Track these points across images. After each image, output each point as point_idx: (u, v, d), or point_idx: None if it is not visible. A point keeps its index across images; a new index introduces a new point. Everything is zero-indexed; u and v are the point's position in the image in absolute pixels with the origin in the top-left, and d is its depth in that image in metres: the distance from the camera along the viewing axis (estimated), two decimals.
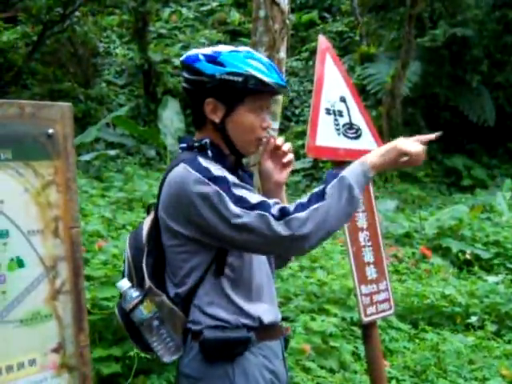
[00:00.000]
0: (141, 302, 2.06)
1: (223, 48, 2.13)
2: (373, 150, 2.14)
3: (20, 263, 1.53)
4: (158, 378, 3.63)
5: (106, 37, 18.65)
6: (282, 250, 2.02)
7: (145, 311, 2.06)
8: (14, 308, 1.52)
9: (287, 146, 2.26)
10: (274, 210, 1.90)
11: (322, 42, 3.43)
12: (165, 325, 2.08)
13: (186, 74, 2.14)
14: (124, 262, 2.23)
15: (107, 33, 18.75)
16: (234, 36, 20.17)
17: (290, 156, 2.28)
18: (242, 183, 2.03)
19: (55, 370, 1.58)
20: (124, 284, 2.10)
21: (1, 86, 13.70)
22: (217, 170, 2.01)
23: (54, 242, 1.58)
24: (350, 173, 1.99)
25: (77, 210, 1.61)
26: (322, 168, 15.03)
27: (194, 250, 2.04)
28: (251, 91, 2.06)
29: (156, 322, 2.07)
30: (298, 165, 15.64)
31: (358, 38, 19.10)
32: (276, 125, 5.81)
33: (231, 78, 2.03)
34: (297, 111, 17.87)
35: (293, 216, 1.89)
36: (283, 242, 1.90)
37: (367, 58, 17.77)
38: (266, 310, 2.13)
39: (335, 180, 1.95)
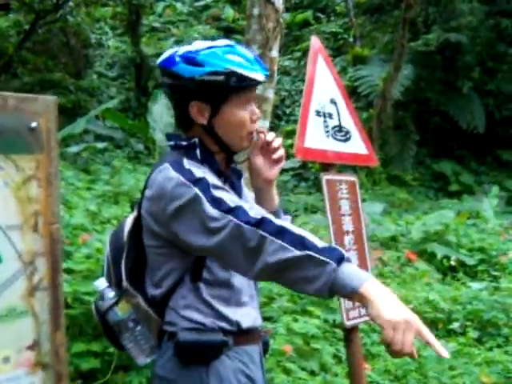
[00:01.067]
0: (116, 303, 2.04)
1: (200, 45, 2.03)
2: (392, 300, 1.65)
3: None
4: (137, 375, 3.61)
5: (99, 28, 18.54)
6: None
7: (119, 312, 2.04)
8: None
9: (278, 142, 2.18)
10: (252, 219, 1.76)
11: (315, 42, 3.41)
12: (140, 326, 2.05)
13: (165, 80, 2.08)
14: (104, 260, 2.20)
15: (100, 24, 18.64)
16: (228, 33, 20.10)
17: (281, 152, 2.20)
18: (222, 185, 1.96)
19: (30, 367, 1.55)
20: (101, 283, 2.09)
21: None
22: (199, 172, 1.94)
23: (33, 237, 1.54)
24: (346, 273, 1.67)
25: (58, 206, 1.58)
26: (311, 168, 15.04)
27: (172, 253, 2.00)
28: (235, 88, 1.99)
29: (131, 324, 2.04)
30: (286, 164, 15.58)
31: (351, 39, 19.11)
32: (266, 123, 5.81)
33: (212, 78, 1.95)
34: (288, 110, 17.85)
35: (260, 232, 1.74)
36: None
37: (360, 60, 17.78)
38: (244, 315, 2.08)
39: (327, 258, 1.67)
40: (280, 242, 1.70)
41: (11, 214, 1.50)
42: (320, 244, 1.71)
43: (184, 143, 2.07)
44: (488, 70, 17.10)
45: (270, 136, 2.17)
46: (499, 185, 15.28)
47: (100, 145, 10.81)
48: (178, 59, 1.99)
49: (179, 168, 1.94)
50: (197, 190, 1.85)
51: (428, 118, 17.32)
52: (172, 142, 2.12)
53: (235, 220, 1.76)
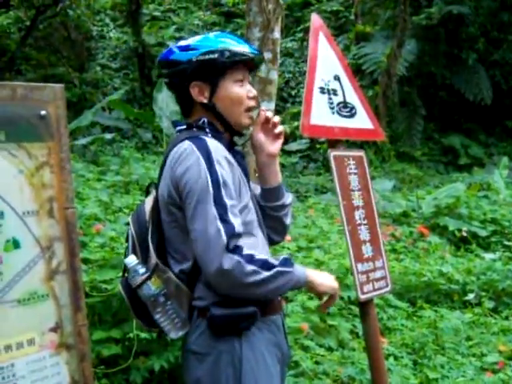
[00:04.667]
0: (149, 277, 2.08)
1: (195, 38, 2.24)
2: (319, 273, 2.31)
3: (16, 244, 1.54)
4: (158, 359, 3.64)
5: (100, 20, 18.51)
6: (209, 274, 2.02)
7: (153, 287, 2.08)
8: (11, 288, 1.53)
9: (277, 118, 2.36)
10: (232, 242, 1.99)
11: (315, 20, 3.41)
12: (171, 301, 2.10)
13: (165, 71, 2.24)
14: (127, 239, 2.24)
15: (100, 16, 18.60)
16: (229, 17, 20.04)
17: (281, 127, 2.36)
18: (234, 188, 2.09)
19: (54, 349, 1.59)
20: (131, 260, 2.11)
21: None
22: (219, 153, 2.08)
23: (50, 222, 1.58)
24: (298, 274, 2.14)
25: (71, 191, 1.62)
26: (319, 149, 15.03)
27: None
28: (229, 64, 2.17)
29: (162, 298, 2.09)
30: (294, 146, 15.64)
31: (353, 17, 18.98)
32: (272, 105, 5.82)
33: (207, 56, 2.14)
34: (293, 92, 17.82)
35: (239, 258, 1.98)
36: (216, 266, 1.97)
37: (363, 38, 17.70)
38: None
39: (286, 268, 2.09)
40: (251, 266, 2.00)
41: (27, 201, 1.54)
42: (275, 260, 2.09)
43: (195, 123, 2.18)
44: (492, 40, 16.97)
45: (269, 113, 2.34)
46: (509, 155, 15.21)
47: (108, 136, 10.83)
48: (174, 49, 2.20)
49: (202, 146, 2.07)
50: (209, 183, 2.00)
51: (434, 92, 17.24)
52: (182, 126, 2.22)
53: (222, 234, 1.98)
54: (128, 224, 2.26)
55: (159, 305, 2.09)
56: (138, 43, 16.30)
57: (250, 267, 1.98)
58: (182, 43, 2.22)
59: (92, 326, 3.78)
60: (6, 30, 15.49)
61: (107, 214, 5.37)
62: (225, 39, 2.19)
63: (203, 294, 2.09)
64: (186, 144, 2.07)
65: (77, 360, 1.62)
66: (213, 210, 1.98)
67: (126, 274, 2.19)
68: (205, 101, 2.18)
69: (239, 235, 2.01)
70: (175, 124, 2.28)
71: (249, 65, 2.27)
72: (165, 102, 10.99)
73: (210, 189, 1.99)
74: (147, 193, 2.28)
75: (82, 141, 10.25)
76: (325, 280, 2.25)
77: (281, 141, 2.37)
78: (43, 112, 1.57)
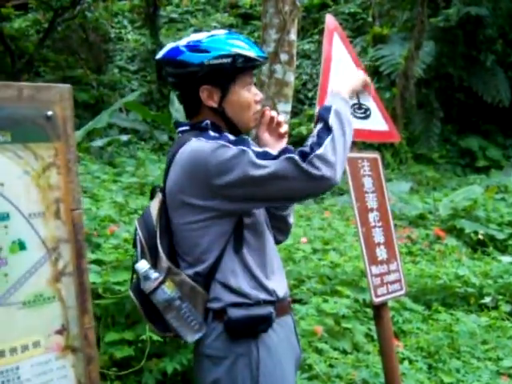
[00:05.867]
0: (162, 281, 2.06)
1: (199, 36, 2.17)
2: (337, 81, 2.40)
3: (22, 246, 1.53)
4: (171, 361, 3.63)
5: (118, 22, 18.61)
6: (314, 190, 2.01)
7: (168, 290, 2.05)
8: (17, 290, 1.52)
9: (282, 118, 2.35)
10: (296, 153, 1.96)
11: (330, 21, 3.38)
12: (186, 304, 2.08)
13: (170, 69, 2.18)
14: (135, 245, 2.21)
15: (118, 18, 18.71)
16: (246, 19, 20.06)
17: (285, 127, 2.35)
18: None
19: (59, 351, 1.58)
20: (143, 265, 2.08)
21: (13, 74, 13.72)
22: (231, 136, 2.08)
23: (56, 224, 1.57)
24: (339, 105, 2.14)
25: (78, 192, 1.60)
26: None
27: (212, 224, 2.06)
28: (240, 70, 2.13)
29: (178, 302, 2.06)
30: None
31: (370, 19, 18.91)
32: (288, 107, 5.80)
33: (220, 61, 2.08)
34: (310, 94, 17.77)
35: (313, 155, 1.94)
36: (315, 180, 1.94)
37: (380, 39, 17.61)
38: (279, 283, 2.18)
39: (332, 114, 2.08)
40: (324, 147, 1.98)
41: (33, 202, 1.53)
42: (320, 123, 2.09)
43: (198, 125, 2.15)
44: (511, 41, 16.82)
45: (274, 113, 2.33)
46: None
47: (124, 137, 10.87)
48: (183, 49, 2.13)
49: (210, 137, 2.05)
50: (240, 147, 1.98)
51: (452, 94, 17.11)
52: (185, 127, 2.20)
53: (289, 155, 1.95)
54: (135, 229, 2.23)
55: (174, 308, 2.07)
56: (155, 45, 16.37)
57: (320, 150, 1.96)
58: (190, 41, 2.14)
59: (105, 328, 3.78)
60: (25, 33, 15.61)
61: (122, 215, 5.38)
62: (236, 42, 2.13)
63: (219, 294, 2.08)
64: (194, 141, 2.05)
65: (83, 363, 1.61)
66: (259, 160, 1.95)
67: (135, 279, 2.18)
68: (214, 105, 2.15)
69: (291, 149, 2.00)
70: (177, 125, 2.25)
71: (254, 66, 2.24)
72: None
73: (247, 150, 1.97)
74: (152, 196, 2.25)
75: (99, 142, 10.29)
76: (350, 82, 2.40)
77: (285, 140, 2.35)
78: (50, 112, 1.56)
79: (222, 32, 2.19)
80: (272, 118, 2.32)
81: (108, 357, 3.64)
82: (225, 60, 2.09)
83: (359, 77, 2.42)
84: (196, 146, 2.03)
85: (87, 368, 1.63)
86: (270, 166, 1.93)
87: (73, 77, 15.23)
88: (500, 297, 5.81)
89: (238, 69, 2.12)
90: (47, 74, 15.33)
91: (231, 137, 2.06)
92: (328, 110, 2.09)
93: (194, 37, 2.16)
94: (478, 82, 16.53)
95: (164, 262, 2.09)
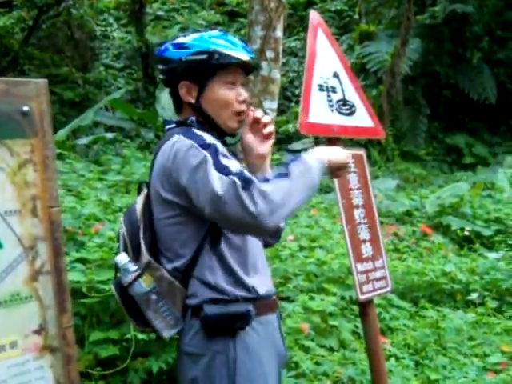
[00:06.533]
0: (140, 275, 2.07)
1: (193, 35, 2.23)
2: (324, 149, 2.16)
3: None
4: (156, 360, 3.61)
5: (103, 20, 18.51)
6: (247, 225, 1.89)
7: (144, 284, 2.06)
8: None
9: (267, 118, 2.30)
10: (242, 179, 1.88)
11: (314, 17, 3.37)
12: (164, 299, 2.08)
13: (159, 66, 2.26)
14: (118, 239, 2.23)
15: (104, 16, 18.61)
16: (232, 17, 20.03)
17: (271, 127, 2.31)
18: (229, 155, 2.08)
19: (37, 351, 1.55)
20: (122, 258, 2.09)
21: None
22: (211, 138, 2.08)
23: (33, 221, 1.54)
24: (311, 162, 2.01)
25: (56, 189, 1.57)
26: None
27: (188, 220, 2.06)
28: (219, 66, 2.15)
29: (155, 296, 2.07)
30: (298, 146, 15.58)
31: (357, 16, 18.94)
32: (274, 104, 5.78)
33: (196, 57, 2.14)
34: (296, 91, 17.75)
35: (256, 187, 1.86)
36: (247, 213, 1.84)
37: (367, 37, 17.63)
38: (260, 281, 2.17)
39: (297, 162, 1.99)
40: (272, 186, 1.90)
41: (9, 200, 1.50)
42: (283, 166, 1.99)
43: (183, 121, 2.18)
44: (497, 39, 16.90)
45: (259, 113, 2.29)
46: None
47: (109, 135, 10.80)
48: (169, 47, 2.21)
49: (191, 135, 2.05)
50: (205, 152, 1.96)
51: (438, 91, 17.18)
52: (172, 125, 2.22)
53: (234, 179, 1.87)
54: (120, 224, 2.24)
55: (151, 303, 2.07)
56: (141, 43, 16.30)
57: (268, 187, 1.88)
58: (178, 40, 2.22)
59: (90, 327, 3.75)
60: (9, 30, 15.47)
61: (107, 213, 5.33)
62: (218, 40, 2.17)
63: (196, 290, 2.07)
64: (176, 137, 2.06)
65: (62, 363, 1.58)
66: (215, 172, 1.90)
67: (118, 274, 2.17)
68: (192, 101, 2.19)
69: (246, 176, 1.91)
70: (165, 123, 2.28)
71: (243, 68, 2.23)
72: (167, 102, 10.97)
73: (209, 158, 1.93)
74: (139, 191, 2.26)
75: (83, 140, 10.23)
76: (335, 155, 2.13)
77: (271, 141, 2.32)
78: (26, 108, 1.53)
79: (214, 32, 2.24)
80: (256, 119, 2.28)
81: (93, 356, 3.62)
82: (201, 56, 2.13)
83: (344, 156, 2.16)
84: (175, 142, 2.04)
85: (66, 368, 1.60)
86: (216, 182, 1.87)
87: (58, 75, 15.14)
88: (486, 293, 5.83)
89: (215, 65, 2.14)
90: (32, 71, 15.20)
91: (207, 138, 2.05)
92: (297, 158, 2.01)
93: (189, 36, 2.23)
94: (464, 79, 16.60)
95: (145, 256, 2.10)
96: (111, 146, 11.06)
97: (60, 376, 1.59)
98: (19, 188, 1.51)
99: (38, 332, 1.55)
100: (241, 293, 2.08)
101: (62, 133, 9.88)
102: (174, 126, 2.21)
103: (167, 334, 2.10)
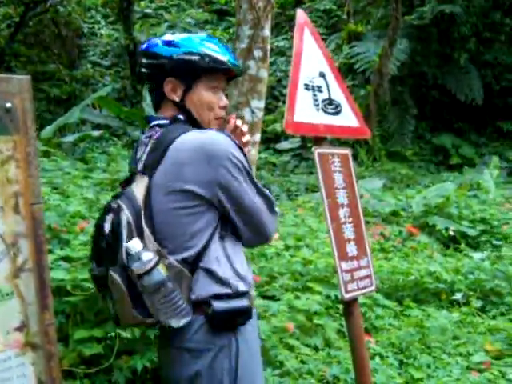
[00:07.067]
0: (157, 263, 2.01)
1: (180, 35, 2.26)
2: None
3: None
4: (141, 359, 3.60)
5: (91, 17, 18.43)
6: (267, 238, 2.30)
7: (162, 271, 2.00)
8: None
9: (245, 128, 2.41)
10: (270, 200, 2.26)
11: (300, 16, 3.37)
12: (177, 288, 2.06)
13: (144, 60, 2.25)
14: (117, 226, 2.08)
15: (91, 13, 18.52)
16: (221, 15, 20.00)
17: (248, 136, 2.43)
18: None
19: (19, 348, 1.55)
20: (137, 245, 2.00)
21: None
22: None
23: (15, 218, 1.53)
24: None
25: (38, 186, 1.57)
26: (311, 147, 14.98)
27: (204, 211, 2.09)
28: (207, 69, 2.20)
29: (171, 285, 2.01)
30: (285, 145, 15.62)
31: (345, 16, 18.97)
32: (261, 104, 5.78)
33: (188, 57, 2.18)
34: (284, 91, 17.74)
35: (277, 211, 2.27)
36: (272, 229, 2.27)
37: (355, 37, 17.68)
38: (250, 274, 2.25)
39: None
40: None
41: None
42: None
43: (175, 118, 2.20)
44: (484, 40, 16.99)
45: (239, 121, 2.39)
46: (500, 156, 15.24)
47: (95, 133, 10.75)
48: (158, 42, 2.23)
49: (223, 134, 2.13)
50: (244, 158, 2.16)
51: (426, 91, 17.25)
52: (164, 121, 2.21)
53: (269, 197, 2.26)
54: (116, 209, 2.11)
55: (163, 291, 2.01)
56: (129, 41, 16.23)
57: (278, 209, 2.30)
58: (167, 38, 2.24)
59: (74, 325, 3.73)
60: None
61: (92, 211, 5.30)
62: (209, 44, 2.22)
63: (201, 284, 2.08)
64: (197, 133, 2.12)
65: (44, 360, 1.57)
66: (254, 186, 2.17)
67: (120, 261, 2.04)
68: (176, 99, 2.21)
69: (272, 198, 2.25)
70: (150, 118, 2.26)
71: (227, 74, 2.30)
72: None
73: (248, 169, 2.15)
74: (130, 181, 2.21)
75: (70, 138, 10.18)
76: None
77: (246, 150, 2.36)
78: (8, 104, 1.52)
79: (201, 35, 2.28)
80: (236, 126, 2.38)
81: (77, 354, 3.60)
82: (192, 57, 2.17)
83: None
84: (211, 139, 2.08)
85: (48, 365, 1.59)
86: (256, 197, 2.18)
87: (45, 72, 15.07)
88: (471, 293, 5.86)
89: (205, 68, 2.19)
90: (19, 68, 15.12)
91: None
92: None
93: (176, 35, 2.25)
94: (451, 80, 16.67)
95: (154, 244, 2.06)
96: (98, 143, 11.03)
97: (41, 373, 1.59)
98: (1, 185, 1.50)
99: (19, 329, 1.55)
100: (240, 286, 2.13)
101: (48, 130, 9.82)
102: (166, 122, 2.20)
103: (176, 323, 2.05)
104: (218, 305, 2.06)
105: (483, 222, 8.55)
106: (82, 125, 12.67)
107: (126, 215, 2.07)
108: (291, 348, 4.32)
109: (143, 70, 2.26)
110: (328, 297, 5.05)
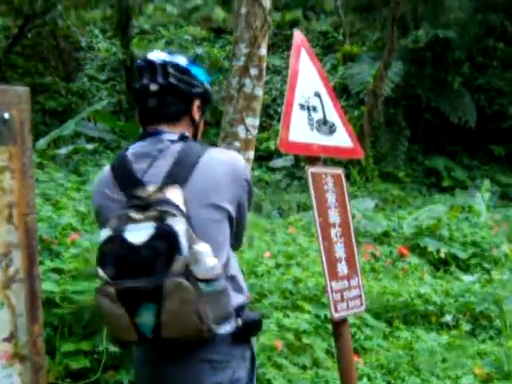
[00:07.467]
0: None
1: (177, 57, 2.35)
2: None
3: None
4: (127, 374, 3.58)
5: (89, 31, 18.50)
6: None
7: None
8: None
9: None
10: None
11: (297, 36, 3.40)
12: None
13: (178, 74, 2.29)
14: (173, 231, 1.95)
15: (90, 27, 18.60)
16: (218, 33, 20.11)
17: None
18: None
19: (7, 359, 1.54)
20: (207, 249, 1.94)
21: None
22: None
23: (8, 228, 1.53)
24: None
25: (33, 197, 1.57)
26: (304, 166, 15.00)
27: (226, 223, 2.16)
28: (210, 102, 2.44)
29: (228, 290, 2.04)
30: (278, 163, 15.64)
31: (341, 37, 19.12)
32: (256, 121, 5.81)
33: (208, 87, 2.39)
34: (279, 109, 17.81)
35: None
36: None
37: (350, 58, 17.81)
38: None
39: None
40: None
41: None
42: None
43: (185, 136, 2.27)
44: (478, 65, 17.15)
45: None
46: (491, 179, 15.31)
47: (89, 146, 10.75)
48: (186, 62, 2.34)
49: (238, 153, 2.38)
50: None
51: (419, 114, 17.35)
52: (174, 136, 2.22)
53: None
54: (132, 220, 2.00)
55: (226, 297, 2.01)
56: (126, 55, 16.28)
57: None
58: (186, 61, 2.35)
59: (61, 338, 3.71)
60: None
61: (84, 224, 5.30)
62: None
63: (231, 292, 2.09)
64: (228, 152, 2.28)
65: (31, 372, 1.57)
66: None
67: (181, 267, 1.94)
68: (197, 119, 2.34)
69: None
70: (160, 132, 2.25)
71: None
72: None
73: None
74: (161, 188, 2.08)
75: (63, 150, 10.17)
76: None
77: None
78: (6, 115, 1.53)
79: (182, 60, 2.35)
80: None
81: (63, 367, 3.57)
82: (208, 87, 2.39)
83: None
84: (233, 158, 2.22)
85: (35, 377, 1.58)
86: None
87: (42, 84, 15.09)
88: (460, 315, 5.87)
89: (209, 101, 2.42)
90: (15, 80, 15.12)
91: None
92: None
93: (174, 57, 2.33)
94: (445, 103, 16.79)
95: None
96: (91, 156, 11.02)
97: None
98: None
99: (8, 340, 1.54)
100: (243, 297, 2.18)
101: (43, 142, 9.82)
102: (175, 138, 2.21)
103: (224, 329, 2.04)
104: (247, 316, 2.11)
105: (474, 245, 8.57)
106: (76, 137, 12.66)
107: (183, 222, 1.98)
108: (279, 367, 4.30)
109: (173, 81, 2.26)
110: (317, 316, 5.03)
